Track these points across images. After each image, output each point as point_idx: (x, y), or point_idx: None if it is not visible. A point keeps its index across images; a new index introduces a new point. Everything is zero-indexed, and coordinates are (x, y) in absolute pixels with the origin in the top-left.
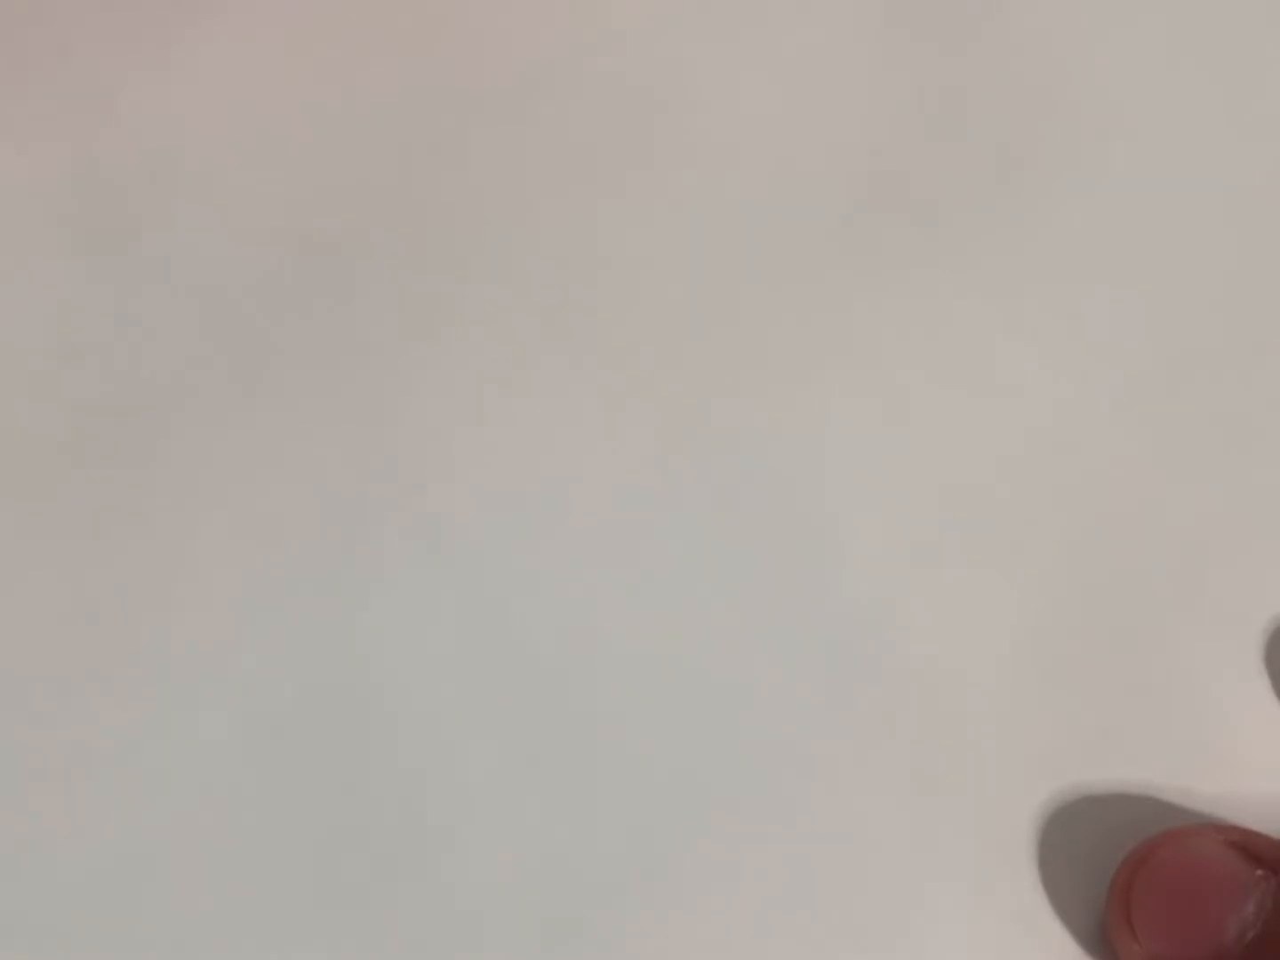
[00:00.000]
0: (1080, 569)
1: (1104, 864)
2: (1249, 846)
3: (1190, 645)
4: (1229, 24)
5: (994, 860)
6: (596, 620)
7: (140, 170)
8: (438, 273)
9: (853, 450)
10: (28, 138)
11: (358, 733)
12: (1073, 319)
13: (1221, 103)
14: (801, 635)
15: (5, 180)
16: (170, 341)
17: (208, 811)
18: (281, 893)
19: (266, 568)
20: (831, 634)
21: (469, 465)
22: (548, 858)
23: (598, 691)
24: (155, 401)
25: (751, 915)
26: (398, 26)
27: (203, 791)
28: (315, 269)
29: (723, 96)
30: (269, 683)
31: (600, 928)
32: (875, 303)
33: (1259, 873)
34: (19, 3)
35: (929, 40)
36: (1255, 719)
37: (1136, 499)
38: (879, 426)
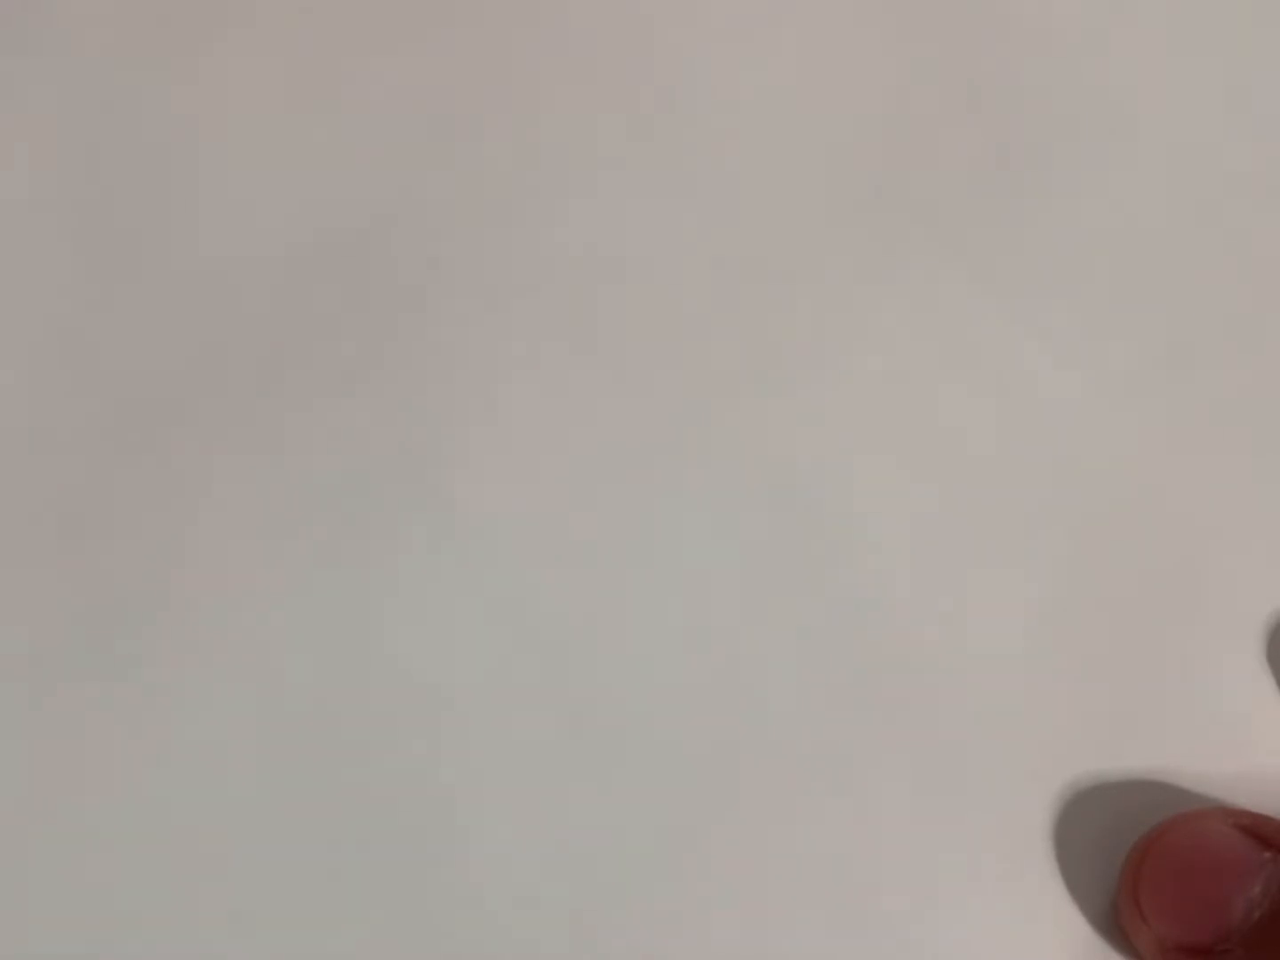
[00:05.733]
0: (1090, 561)
1: (1116, 849)
2: (1257, 829)
3: (1200, 634)
4: (1230, 14)
5: (1008, 846)
6: (615, 615)
7: (146, 168)
8: (449, 265)
9: (862, 443)
10: (35, 137)
11: (379, 726)
12: (1079, 312)
13: (1225, 94)
14: (816, 627)
15: (9, 179)
16: (180, 339)
17: (230, 806)
18: (305, 887)
19: (284, 562)
20: (844, 626)
21: (485, 458)
22: (571, 847)
23: (616, 686)
24: (168, 398)
25: (770, 905)
26: (408, 25)
27: (225, 786)
28: (326, 263)
29: (727, 92)
30: (289, 677)
31: (620, 918)
32: (881, 296)
33: (1266, 854)
34: (24, 1)
35: (931, 36)
36: (1264, 705)
37: (1146, 492)
38: (887, 419)
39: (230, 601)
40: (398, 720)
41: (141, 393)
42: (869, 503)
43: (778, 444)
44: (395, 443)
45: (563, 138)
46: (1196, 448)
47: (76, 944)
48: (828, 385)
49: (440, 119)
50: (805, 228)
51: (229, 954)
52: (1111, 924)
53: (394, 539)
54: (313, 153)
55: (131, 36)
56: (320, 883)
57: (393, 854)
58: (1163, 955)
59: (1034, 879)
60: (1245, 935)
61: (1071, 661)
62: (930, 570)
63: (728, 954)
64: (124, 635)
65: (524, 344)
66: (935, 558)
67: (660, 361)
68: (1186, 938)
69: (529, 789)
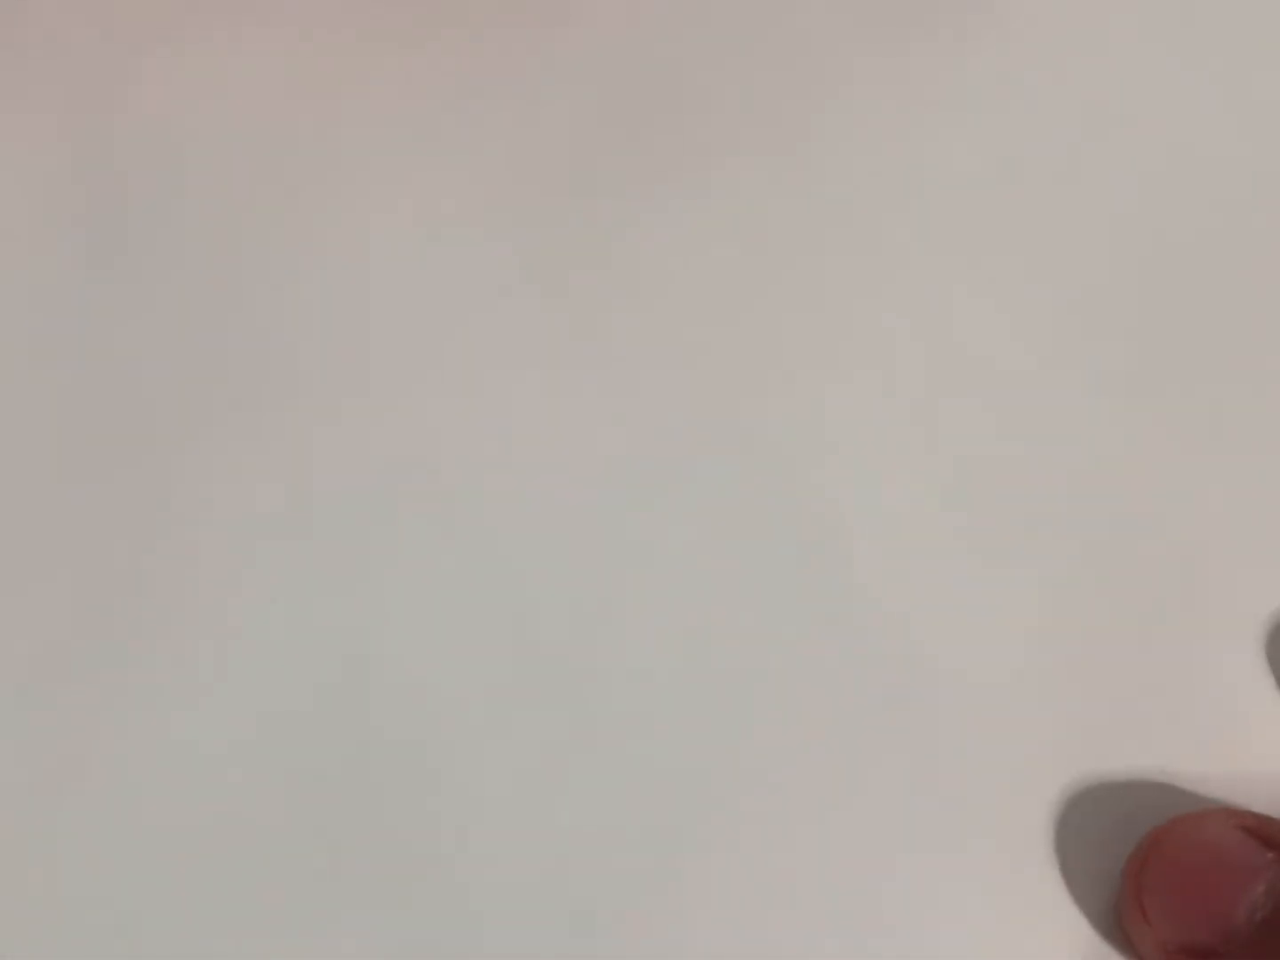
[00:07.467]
0: (1090, 561)
1: (1116, 849)
2: (1260, 830)
3: (1200, 635)
4: (1230, 14)
5: (1008, 846)
6: (608, 617)
7: (144, 169)
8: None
9: (862, 448)
10: (31, 136)
11: (370, 730)
12: (1080, 316)
13: (1219, 91)
14: (815, 630)
15: (7, 180)
16: (181, 340)
17: (221, 810)
18: (296, 891)
19: (276, 564)
20: (844, 628)
21: (481, 457)
22: (569, 850)
23: (609, 688)
24: (170, 401)
25: (769, 907)
26: (402, 24)
27: (216, 791)
28: (314, 267)
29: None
30: (281, 681)
31: (619, 920)
32: (881, 297)
33: (1270, 855)
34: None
35: (930, 37)
36: (1264, 705)
37: (1146, 492)
38: (887, 424)
39: (230, 603)
40: (396, 723)
41: (143, 395)
42: (873, 509)
43: (777, 453)
44: (393, 439)
45: (564, 135)
46: (1196, 448)
47: (76, 944)
48: (827, 393)
49: (437, 112)
50: (807, 226)
51: (227, 954)
52: (1112, 924)
53: (393, 540)
54: (310, 149)
55: (131, 31)
56: (318, 883)
57: (391, 855)
58: (1165, 957)
59: (1034, 879)
60: (1248, 936)
61: (1072, 662)
62: (930, 571)
63: (727, 956)
64: (123, 638)
65: (525, 338)
66: (939, 559)
67: (660, 365)
68: (1189, 939)
69: (527, 792)
